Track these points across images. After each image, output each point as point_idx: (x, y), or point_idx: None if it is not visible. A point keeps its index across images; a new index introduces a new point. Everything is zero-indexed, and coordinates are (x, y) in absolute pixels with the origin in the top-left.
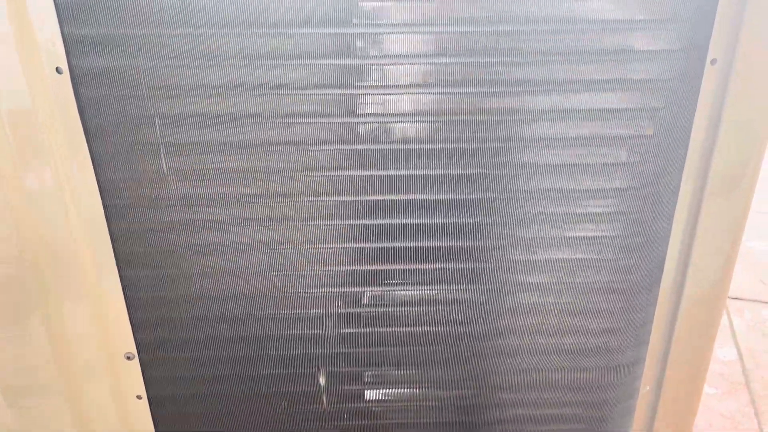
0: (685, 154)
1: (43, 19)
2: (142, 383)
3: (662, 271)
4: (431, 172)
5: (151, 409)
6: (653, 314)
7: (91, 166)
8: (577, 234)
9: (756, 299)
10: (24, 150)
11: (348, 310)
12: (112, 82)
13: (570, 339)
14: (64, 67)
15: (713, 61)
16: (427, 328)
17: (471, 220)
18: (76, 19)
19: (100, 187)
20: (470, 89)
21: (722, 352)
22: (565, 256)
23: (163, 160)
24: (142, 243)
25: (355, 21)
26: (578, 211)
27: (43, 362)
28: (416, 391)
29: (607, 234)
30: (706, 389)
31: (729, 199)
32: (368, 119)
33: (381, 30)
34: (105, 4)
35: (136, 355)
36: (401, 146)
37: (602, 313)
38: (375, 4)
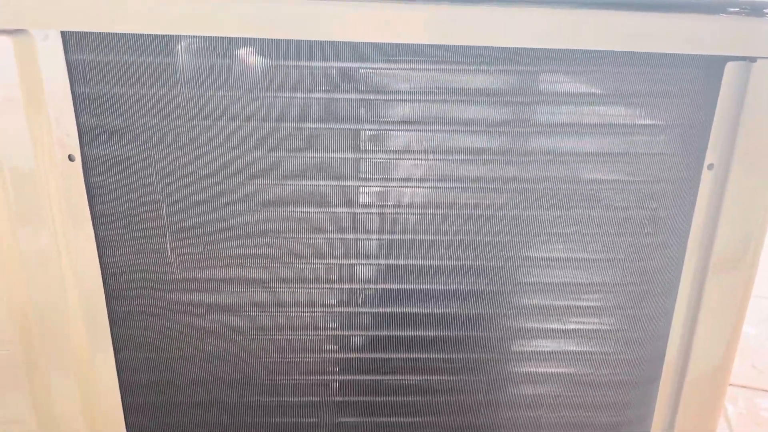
0: (684, 253)
1: (60, 110)
2: None
3: (663, 364)
4: (431, 263)
5: None
6: (654, 407)
7: (95, 249)
8: (577, 327)
9: (749, 386)
10: (28, 227)
11: (345, 398)
12: (123, 169)
13: None
14: (77, 155)
15: (710, 166)
16: (427, 419)
17: (470, 311)
18: (92, 110)
19: (102, 269)
20: (468, 184)
21: None
22: (566, 348)
23: (168, 244)
24: (140, 325)
25: (360, 116)
26: (578, 304)
27: None
28: None
29: (607, 328)
30: None
31: (727, 297)
32: (370, 210)
33: (383, 127)
34: (123, 97)
35: None
36: (401, 237)
37: (602, 407)
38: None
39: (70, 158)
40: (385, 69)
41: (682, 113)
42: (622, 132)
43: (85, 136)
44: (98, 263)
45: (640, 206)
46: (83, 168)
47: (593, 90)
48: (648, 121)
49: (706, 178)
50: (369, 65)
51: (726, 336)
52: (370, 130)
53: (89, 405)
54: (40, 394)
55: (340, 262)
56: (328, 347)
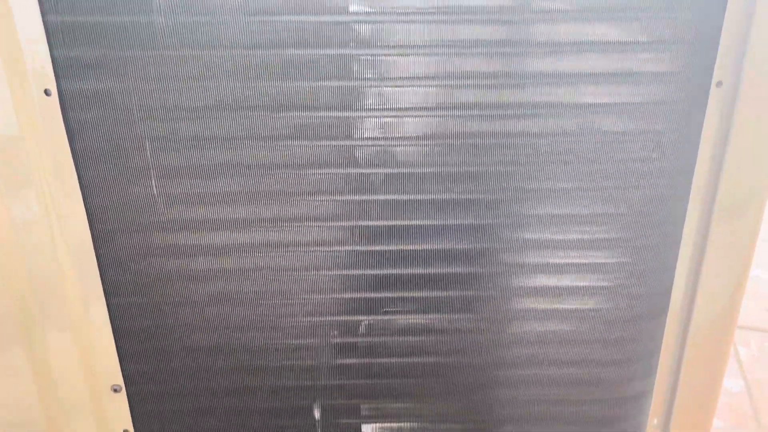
0: (691, 179)
1: (33, 40)
2: (130, 418)
3: (669, 299)
4: (430, 197)
5: None
6: (661, 344)
7: (79, 191)
8: (582, 261)
9: (761, 328)
10: (9, 174)
11: (344, 339)
12: (102, 105)
13: (573, 370)
14: (53, 89)
15: (719, 84)
16: (426, 359)
17: (472, 246)
18: (66, 41)
19: (87, 212)
20: (470, 112)
21: (729, 383)
22: (569, 284)
23: (154, 184)
24: (130, 270)
25: (353, 43)
26: (582, 237)
27: (25, 396)
28: (414, 424)
29: (613, 261)
30: (714, 422)
31: (737, 225)
32: (367, 143)
33: (380, 51)
34: (96, 26)
35: (123, 387)
36: (401, 170)
37: (607, 343)
38: (374, 26)
39: (47, 93)
40: None
41: (688, 28)
42: (625, 50)
43: (60, 68)
44: (83, 205)
45: (645, 130)
46: (60, 104)
47: (594, 5)
48: (652, 38)
49: (715, 97)
50: None
51: (735, 270)
52: (365, 55)
53: (84, 353)
54: (35, 345)
55: (335, 198)
56: (325, 287)
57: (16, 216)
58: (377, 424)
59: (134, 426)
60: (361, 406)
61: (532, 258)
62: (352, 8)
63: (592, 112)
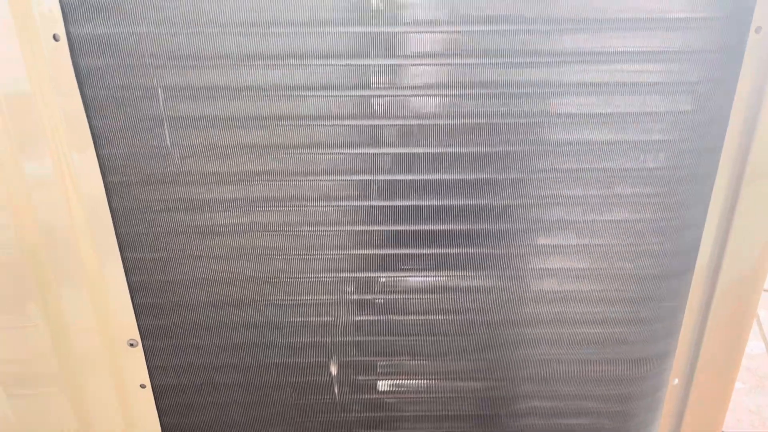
0: (725, 132)
1: None
2: (146, 371)
3: (696, 257)
4: (448, 150)
5: (155, 399)
6: (685, 303)
7: (91, 142)
8: (605, 217)
9: None
10: (21, 128)
11: (360, 296)
12: (113, 51)
13: (595, 329)
14: (62, 34)
15: (758, 29)
16: (443, 317)
17: (491, 202)
18: None
19: (100, 164)
20: (497, 60)
21: (749, 345)
22: (592, 241)
23: (167, 135)
24: (144, 223)
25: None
26: (607, 192)
27: (42, 351)
28: (431, 382)
29: (638, 217)
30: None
31: None
32: (382, 92)
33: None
34: None
35: (140, 342)
36: (416, 122)
37: (630, 302)
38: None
39: (55, 38)
40: None
41: None
42: None
43: (69, 12)
44: (96, 157)
45: (679, 80)
46: (70, 49)
47: None
48: None
49: (754, 43)
50: None
51: (764, 229)
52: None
53: (100, 309)
54: (49, 300)
55: (351, 151)
56: (341, 243)
57: (28, 169)
58: (394, 381)
59: (150, 380)
60: (378, 363)
61: (554, 214)
62: None
63: (624, 60)
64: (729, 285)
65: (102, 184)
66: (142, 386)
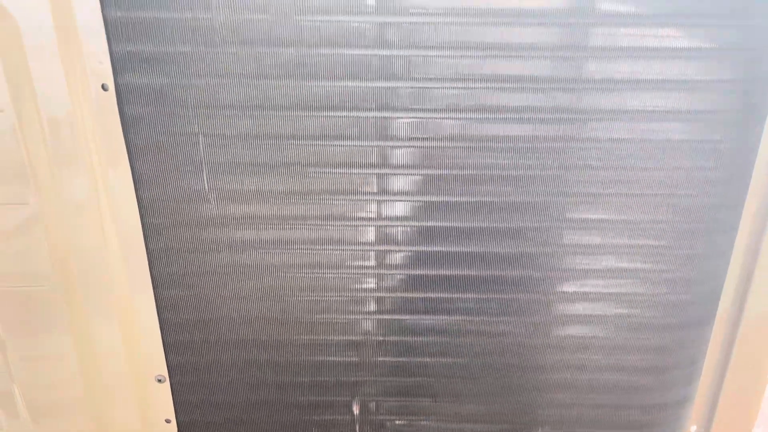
0: (746, 189)
1: (92, 35)
2: (172, 407)
3: (717, 306)
4: (468, 199)
5: None
6: (705, 351)
7: (132, 184)
8: (631, 266)
9: None
10: (64, 163)
11: (385, 338)
12: (158, 100)
13: (614, 375)
14: (110, 84)
15: None
16: (464, 360)
17: (514, 249)
18: (125, 36)
19: (139, 204)
20: (525, 115)
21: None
22: (615, 290)
23: (206, 180)
24: (179, 263)
25: (407, 43)
26: (629, 242)
27: (70, 379)
28: (452, 424)
29: (660, 267)
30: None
31: None
32: (408, 143)
33: (423, 53)
34: (156, 21)
35: (167, 377)
36: (440, 171)
37: (650, 349)
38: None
39: (104, 88)
40: None
41: (754, 35)
42: (687, 56)
43: (118, 63)
44: (135, 199)
45: (702, 138)
46: (117, 98)
47: (659, 9)
48: (716, 45)
49: None
50: None
51: None
52: (412, 55)
53: (130, 343)
54: (81, 332)
55: (379, 198)
56: (367, 285)
57: (68, 201)
58: (413, 422)
59: (176, 415)
60: (400, 404)
61: (578, 262)
62: (413, 10)
63: (650, 119)
64: (749, 333)
65: (140, 225)
66: (167, 421)
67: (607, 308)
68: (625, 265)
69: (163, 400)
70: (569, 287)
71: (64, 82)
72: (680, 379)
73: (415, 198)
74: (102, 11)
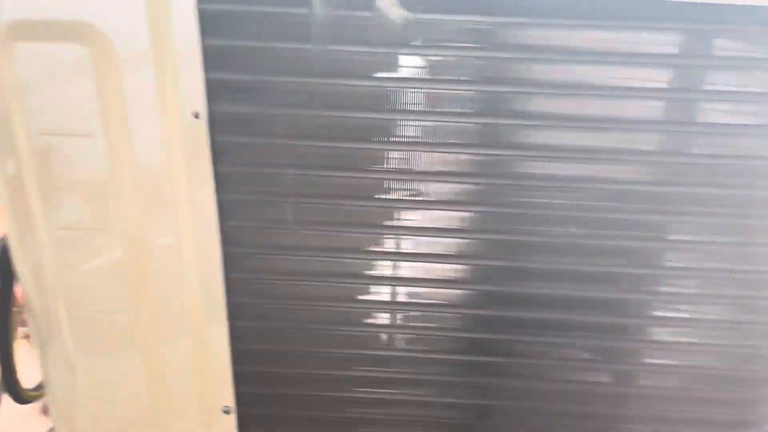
0: None
1: (189, 62)
2: None
3: None
4: (544, 240)
5: None
6: None
7: (215, 211)
8: (716, 316)
9: None
10: (148, 195)
11: (454, 379)
12: (248, 129)
13: (697, 429)
14: (203, 112)
15: None
16: (547, 406)
17: (594, 294)
18: (222, 65)
19: (222, 233)
20: (604, 156)
21: None
22: (696, 339)
23: (290, 210)
24: (255, 293)
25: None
26: (717, 292)
27: (138, 402)
28: None
29: (750, 318)
30: None
31: None
32: (486, 180)
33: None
34: (254, 50)
35: (234, 409)
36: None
37: (737, 403)
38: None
39: (196, 116)
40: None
41: None
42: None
43: (212, 91)
44: (218, 227)
45: None
46: (209, 126)
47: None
48: None
49: None
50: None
51: None
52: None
53: (199, 372)
54: (153, 358)
55: (453, 238)
56: (450, 325)
57: (149, 233)
58: None
59: None
60: None
61: (664, 311)
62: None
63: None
64: None
65: (219, 254)
66: None
67: (696, 359)
68: (714, 316)
69: None
70: (648, 336)
71: (158, 111)
72: None
73: (496, 236)
74: (201, 39)
